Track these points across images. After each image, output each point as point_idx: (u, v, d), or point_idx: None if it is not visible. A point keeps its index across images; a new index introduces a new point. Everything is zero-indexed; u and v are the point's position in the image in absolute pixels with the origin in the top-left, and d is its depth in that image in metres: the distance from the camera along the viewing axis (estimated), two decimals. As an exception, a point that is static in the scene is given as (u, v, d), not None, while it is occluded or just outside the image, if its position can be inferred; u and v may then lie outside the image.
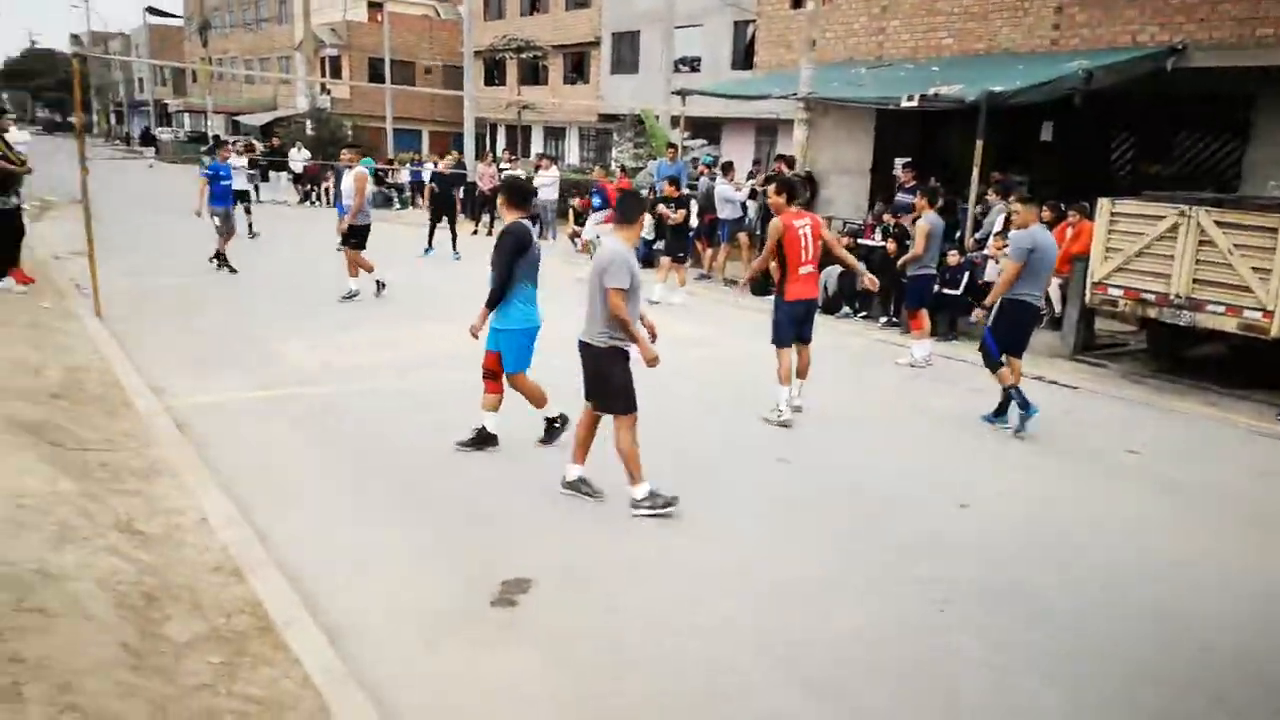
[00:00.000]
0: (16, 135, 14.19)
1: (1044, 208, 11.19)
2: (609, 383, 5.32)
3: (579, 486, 5.57)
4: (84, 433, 5.83)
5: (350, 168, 11.90)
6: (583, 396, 5.50)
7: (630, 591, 4.47)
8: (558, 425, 6.43)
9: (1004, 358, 7.37)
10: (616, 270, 5.15)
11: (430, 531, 5.02)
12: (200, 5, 53.25)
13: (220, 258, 13.36)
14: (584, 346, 5.36)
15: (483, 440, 6.28)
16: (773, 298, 7.51)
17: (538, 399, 6.33)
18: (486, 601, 4.27)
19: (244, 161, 20.30)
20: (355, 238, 11.46)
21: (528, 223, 6.03)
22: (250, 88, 53.24)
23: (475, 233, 19.84)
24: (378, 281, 11.64)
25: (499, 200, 6.16)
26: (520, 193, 6.22)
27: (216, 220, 13.49)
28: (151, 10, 54.21)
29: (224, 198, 13.67)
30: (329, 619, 3.97)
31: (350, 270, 11.52)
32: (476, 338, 6.00)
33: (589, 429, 5.55)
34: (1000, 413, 7.51)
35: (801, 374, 7.57)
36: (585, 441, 5.57)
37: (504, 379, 6.17)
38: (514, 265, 5.84)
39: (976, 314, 7.68)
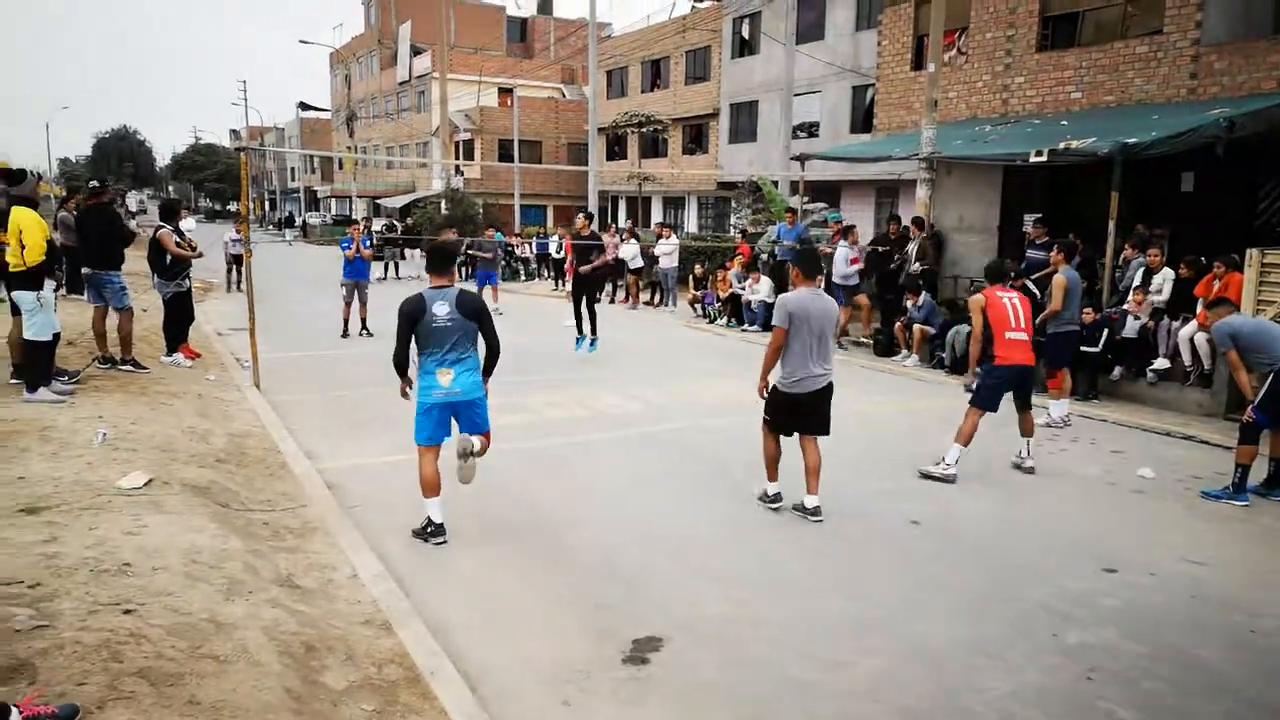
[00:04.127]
0: (185, 223, 15.54)
1: (1181, 265, 10.77)
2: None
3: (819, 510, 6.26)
4: (247, 494, 6.27)
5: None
6: (777, 434, 6.37)
7: (766, 649, 4.45)
8: (427, 530, 5.70)
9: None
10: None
11: (564, 587, 5.14)
12: (347, 99, 57.25)
13: (348, 325, 14.72)
14: (830, 386, 6.28)
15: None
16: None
17: (426, 485, 5.66)
18: (618, 658, 4.33)
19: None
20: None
21: (431, 293, 5.46)
22: (390, 172, 56.67)
23: (613, 301, 20.81)
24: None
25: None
26: (440, 257, 5.62)
27: (344, 291, 14.91)
28: (303, 105, 58.92)
29: (356, 272, 14.87)
30: (469, 671, 4.13)
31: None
32: (406, 397, 5.81)
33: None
34: (1272, 484, 7.08)
35: (1028, 433, 7.72)
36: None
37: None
38: (404, 338, 5.52)
39: (1247, 415, 6.93)
